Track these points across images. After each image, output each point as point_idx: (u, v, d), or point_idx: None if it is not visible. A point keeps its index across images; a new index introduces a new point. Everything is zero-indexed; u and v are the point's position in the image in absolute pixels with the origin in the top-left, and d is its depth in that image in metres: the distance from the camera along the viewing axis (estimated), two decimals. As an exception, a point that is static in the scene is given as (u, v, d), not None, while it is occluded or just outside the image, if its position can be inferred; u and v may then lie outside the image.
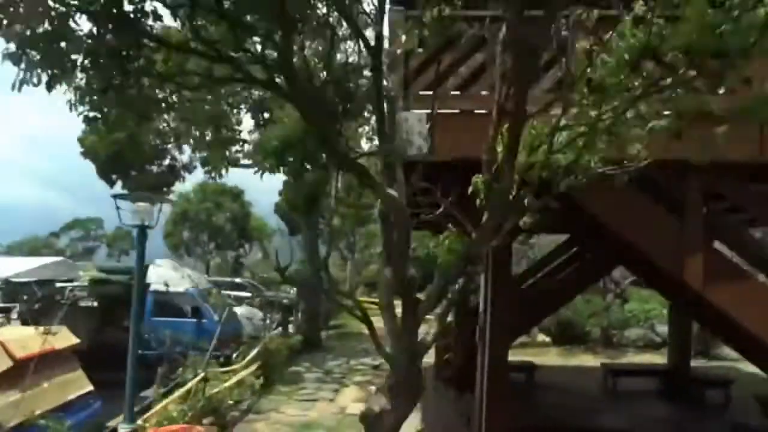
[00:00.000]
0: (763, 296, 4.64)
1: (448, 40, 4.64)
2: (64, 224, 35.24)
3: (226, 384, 6.94)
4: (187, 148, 13.42)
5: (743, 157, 4.57)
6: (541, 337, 13.89)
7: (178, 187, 17.13)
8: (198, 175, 16.92)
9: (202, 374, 6.40)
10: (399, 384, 3.06)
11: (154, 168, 14.06)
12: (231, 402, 7.44)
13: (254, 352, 8.59)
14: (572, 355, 12.73)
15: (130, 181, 13.63)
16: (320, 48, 4.31)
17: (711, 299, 4.89)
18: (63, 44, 2.52)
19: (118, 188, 13.58)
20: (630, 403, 8.61)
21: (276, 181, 17.96)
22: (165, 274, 9.42)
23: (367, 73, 5.12)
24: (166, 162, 14.14)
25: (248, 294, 16.85)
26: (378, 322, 3.27)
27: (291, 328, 13.55)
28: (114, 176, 13.93)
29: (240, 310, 13.58)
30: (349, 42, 4.89)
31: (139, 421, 4.80)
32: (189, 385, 6.15)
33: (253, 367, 8.24)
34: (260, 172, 10.38)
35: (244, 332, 9.66)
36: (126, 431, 4.36)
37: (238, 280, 18.58)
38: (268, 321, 13.18)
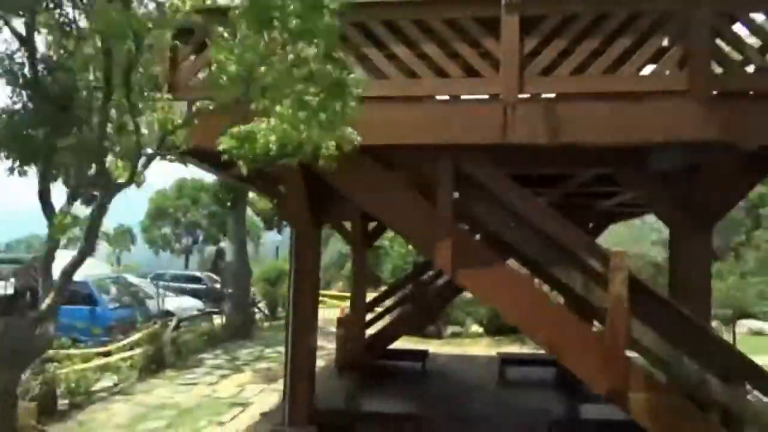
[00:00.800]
0: (508, 280, 4.70)
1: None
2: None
3: (82, 366, 7.26)
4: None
5: (487, 139, 4.64)
6: (475, 328, 13.93)
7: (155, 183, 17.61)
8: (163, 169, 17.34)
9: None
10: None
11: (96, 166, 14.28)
12: (100, 384, 7.80)
13: (134, 337, 8.92)
14: (499, 345, 12.74)
15: (69, 177, 13.91)
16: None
17: (460, 283, 4.98)
18: None
19: (60, 185, 13.95)
20: (504, 391, 8.65)
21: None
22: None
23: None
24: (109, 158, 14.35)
25: (203, 286, 17.33)
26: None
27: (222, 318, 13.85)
28: (54, 172, 14.23)
29: (179, 301, 14.03)
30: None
31: None
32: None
33: (133, 352, 8.57)
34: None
35: (139, 319, 10.00)
36: None
37: (197, 273, 19.10)
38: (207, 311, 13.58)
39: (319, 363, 10.70)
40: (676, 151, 5.26)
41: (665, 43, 4.75)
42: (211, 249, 27.06)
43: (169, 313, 12.57)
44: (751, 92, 4.53)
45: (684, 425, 4.52)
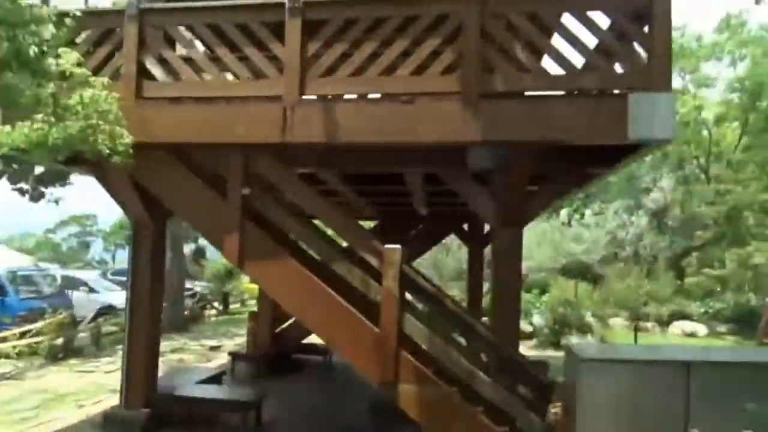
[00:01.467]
0: (291, 273, 4.89)
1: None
2: (60, 221, 37.12)
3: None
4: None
5: (268, 138, 4.84)
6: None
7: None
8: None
9: None
10: None
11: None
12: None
13: (31, 326, 9.32)
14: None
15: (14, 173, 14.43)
16: None
17: (248, 274, 5.19)
18: None
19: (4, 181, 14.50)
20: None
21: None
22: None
23: None
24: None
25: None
26: None
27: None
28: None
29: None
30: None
31: None
32: None
33: (32, 340, 8.96)
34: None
35: (48, 310, 10.36)
36: None
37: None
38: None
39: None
40: (489, 152, 5.42)
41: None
42: (190, 246, 27.43)
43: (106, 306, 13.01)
44: (519, 92, 4.68)
45: (450, 417, 4.67)
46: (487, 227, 10.11)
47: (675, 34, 18.84)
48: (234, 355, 9.29)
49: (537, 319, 14.11)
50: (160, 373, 6.73)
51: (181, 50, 5.17)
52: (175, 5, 5.13)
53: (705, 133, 19.15)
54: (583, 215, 15.34)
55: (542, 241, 13.17)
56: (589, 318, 13.65)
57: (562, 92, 4.66)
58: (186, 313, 14.80)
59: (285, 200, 5.39)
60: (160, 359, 10.33)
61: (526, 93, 4.69)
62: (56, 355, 9.42)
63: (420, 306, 5.35)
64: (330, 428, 6.38)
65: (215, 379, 7.35)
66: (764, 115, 18.19)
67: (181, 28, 5.17)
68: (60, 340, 9.55)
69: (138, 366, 6.12)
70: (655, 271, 14.90)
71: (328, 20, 4.82)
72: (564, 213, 15.12)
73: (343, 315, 4.83)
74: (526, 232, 13.86)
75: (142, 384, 6.10)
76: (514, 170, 5.34)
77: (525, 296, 16.22)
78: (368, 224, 10.66)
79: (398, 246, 4.87)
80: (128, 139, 4.45)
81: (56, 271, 14.87)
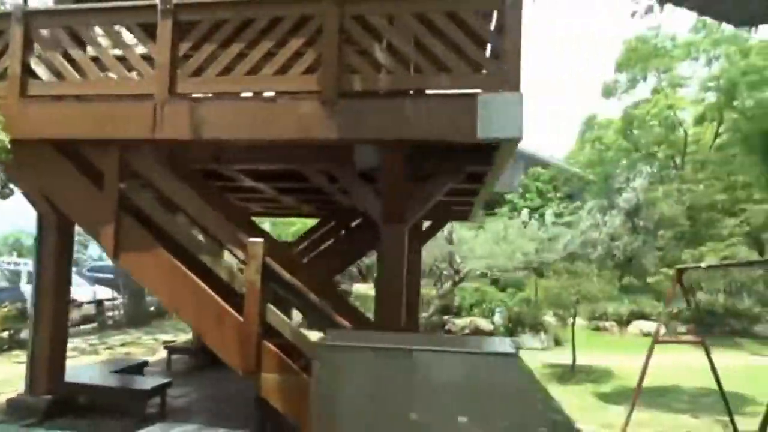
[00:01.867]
0: (163, 265, 5.06)
1: None
2: (58, 219, 37.25)
3: None
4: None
5: (140, 135, 5.02)
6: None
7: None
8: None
9: None
10: None
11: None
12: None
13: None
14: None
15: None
16: None
17: (122, 264, 5.37)
18: None
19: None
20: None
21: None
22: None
23: None
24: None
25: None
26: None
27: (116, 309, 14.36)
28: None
29: (93, 290, 14.73)
30: None
31: None
32: None
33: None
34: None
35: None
36: None
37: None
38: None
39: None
40: (373, 150, 5.55)
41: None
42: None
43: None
44: (376, 92, 4.81)
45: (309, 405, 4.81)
46: (426, 224, 10.24)
47: (649, 34, 18.79)
48: (170, 349, 9.48)
49: (498, 318, 14.21)
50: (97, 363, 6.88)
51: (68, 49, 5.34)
52: (57, 8, 5.33)
53: (681, 132, 19.05)
54: (543, 215, 15.37)
55: (498, 240, 13.24)
56: (550, 317, 13.68)
57: (416, 91, 4.79)
58: (152, 308, 15.06)
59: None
60: (108, 352, 10.73)
61: (382, 92, 4.82)
62: (1, 347, 9.70)
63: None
64: (225, 415, 6.54)
65: (135, 369, 7.54)
66: (744, 114, 18.06)
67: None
68: (5, 333, 9.83)
69: (42, 356, 6.33)
70: (623, 269, 14.84)
71: (199, 21, 5.00)
72: (525, 212, 15.19)
73: (211, 306, 4.99)
74: (486, 229, 13.89)
75: (46, 373, 6.31)
76: (388, 168, 5.45)
77: (499, 295, 16.33)
78: (312, 222, 10.79)
79: (260, 240, 5.04)
80: (2, 135, 4.65)
81: (25, 266, 15.17)
